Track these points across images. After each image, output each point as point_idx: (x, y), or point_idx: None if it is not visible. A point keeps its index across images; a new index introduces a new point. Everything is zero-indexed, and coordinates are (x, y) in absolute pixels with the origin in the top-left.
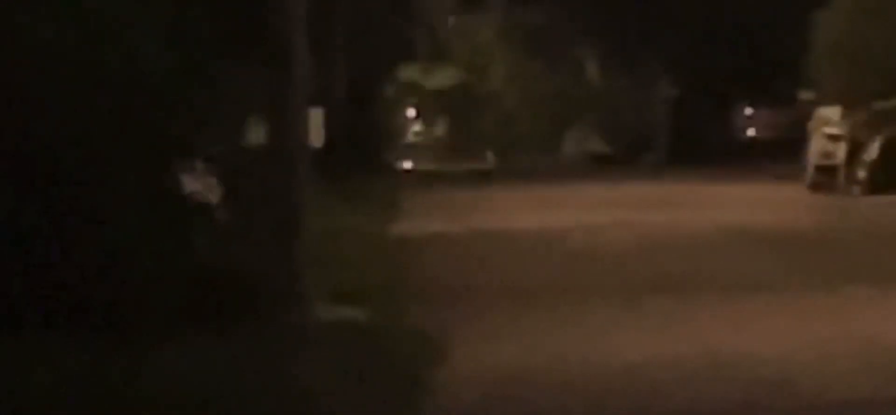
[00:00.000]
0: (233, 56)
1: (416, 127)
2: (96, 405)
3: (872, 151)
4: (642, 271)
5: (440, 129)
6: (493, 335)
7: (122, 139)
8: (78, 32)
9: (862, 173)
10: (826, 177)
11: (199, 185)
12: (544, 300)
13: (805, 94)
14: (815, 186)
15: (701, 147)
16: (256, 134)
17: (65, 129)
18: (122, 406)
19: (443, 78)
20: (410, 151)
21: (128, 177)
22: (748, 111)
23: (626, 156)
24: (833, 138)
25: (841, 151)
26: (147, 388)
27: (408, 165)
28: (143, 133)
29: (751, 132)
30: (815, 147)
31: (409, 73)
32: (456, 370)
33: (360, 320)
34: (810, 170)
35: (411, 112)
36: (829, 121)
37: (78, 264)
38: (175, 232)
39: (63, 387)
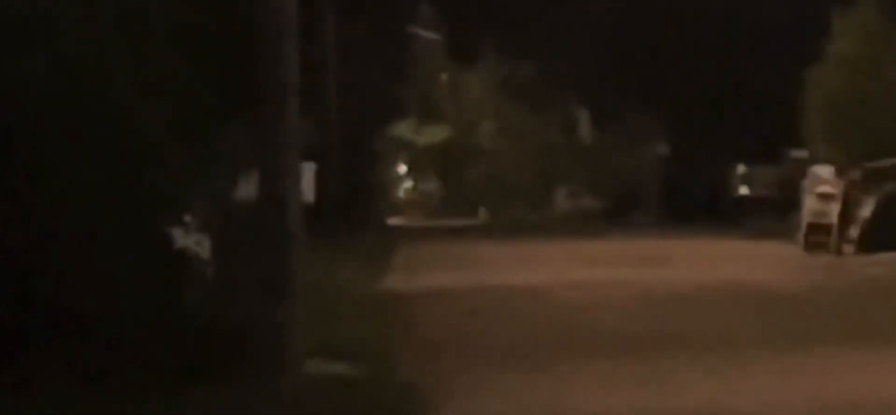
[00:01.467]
0: (224, 110)
1: (408, 183)
2: None
3: (866, 209)
4: (628, 328)
5: (431, 185)
6: (482, 390)
7: (113, 193)
8: (70, 85)
9: (855, 232)
10: (819, 235)
11: (190, 240)
12: (532, 356)
13: (797, 153)
14: (809, 245)
15: (693, 204)
16: (247, 189)
17: (53, 182)
18: None
19: (434, 134)
20: (402, 206)
21: (117, 231)
22: (741, 169)
23: (617, 212)
24: (826, 197)
25: (834, 209)
26: None
27: (399, 220)
28: (133, 187)
29: (743, 190)
30: (808, 206)
31: (400, 129)
32: None
33: (350, 375)
34: (803, 228)
35: (402, 168)
36: (822, 179)
37: (66, 318)
38: (165, 287)
39: None
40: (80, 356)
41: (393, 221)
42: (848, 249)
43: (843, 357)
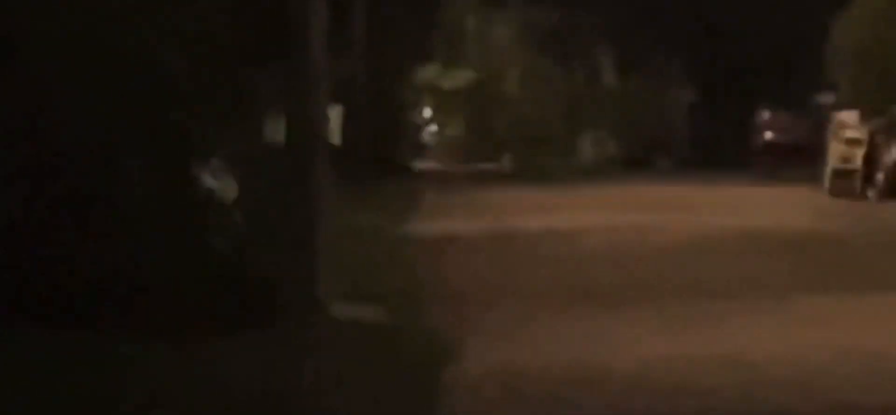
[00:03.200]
0: (251, 54)
1: (433, 127)
2: (115, 403)
3: (891, 155)
4: (649, 274)
5: (457, 129)
6: (508, 336)
7: (141, 137)
8: (98, 32)
9: (880, 178)
10: (844, 181)
11: (218, 183)
12: (556, 303)
13: (823, 98)
14: (834, 191)
15: (718, 150)
16: (275, 131)
17: (83, 126)
18: (141, 405)
19: (459, 79)
20: (427, 151)
21: (146, 174)
22: (766, 115)
23: (643, 159)
24: (851, 142)
25: (859, 155)
26: (165, 387)
27: (425, 165)
28: (161, 131)
29: (769, 136)
30: (834, 151)
31: (426, 73)
32: (469, 369)
33: (376, 319)
34: (828, 174)
35: (428, 112)
36: (847, 125)
37: (96, 261)
38: (193, 231)
39: (84, 383)
40: (107, 297)
41: (419, 165)
42: (873, 194)
43: (864, 302)
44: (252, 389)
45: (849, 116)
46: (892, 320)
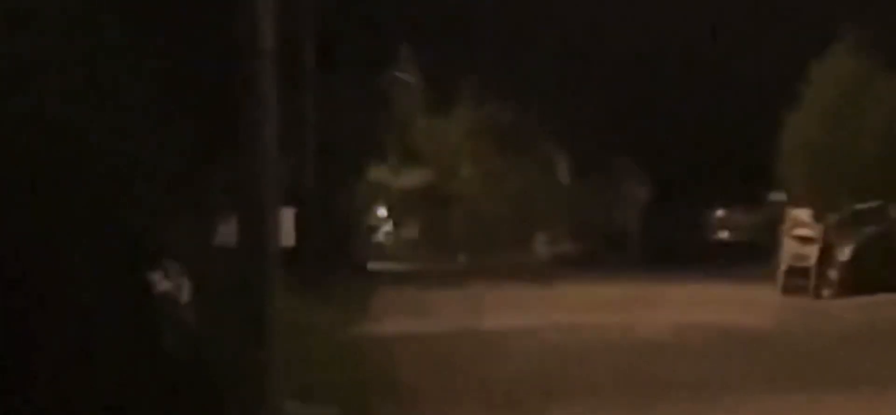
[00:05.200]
0: (203, 155)
1: (387, 227)
2: None
3: (844, 253)
4: (605, 373)
5: (411, 229)
6: None
7: (92, 238)
8: (43, 128)
9: (834, 275)
10: (798, 279)
11: (169, 284)
12: (510, 402)
13: (776, 196)
14: (787, 289)
15: (673, 248)
16: (227, 234)
17: (31, 228)
18: None
19: (413, 178)
20: (382, 250)
21: (96, 276)
22: (720, 213)
23: (597, 256)
24: (805, 240)
25: (813, 253)
26: None
27: (379, 265)
28: (112, 232)
29: (723, 234)
30: (787, 249)
31: (379, 172)
32: None
33: None
34: (782, 272)
35: (382, 212)
36: (801, 223)
37: (45, 363)
38: (144, 332)
39: None
40: (57, 402)
41: (373, 265)
42: (827, 292)
43: (816, 403)
44: None
45: (802, 214)
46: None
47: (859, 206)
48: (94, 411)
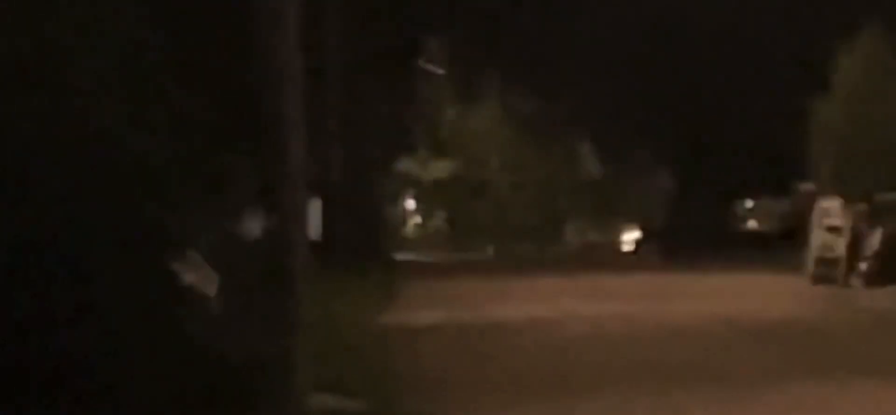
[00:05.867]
0: (229, 146)
1: (416, 218)
2: None
3: (874, 242)
4: (634, 361)
5: (439, 220)
6: None
7: (118, 231)
8: (71, 122)
9: (863, 265)
10: (827, 269)
11: (196, 276)
12: (538, 390)
13: (805, 186)
14: (817, 279)
15: (701, 238)
16: (253, 225)
17: (59, 221)
18: None
19: (440, 169)
20: (410, 242)
21: (123, 268)
22: (748, 203)
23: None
24: (834, 230)
25: (841, 243)
26: None
27: (407, 256)
28: (139, 224)
29: (751, 224)
30: (816, 239)
31: (407, 164)
32: None
33: (354, 409)
34: (811, 262)
35: (410, 203)
36: (829, 212)
37: (72, 355)
38: (171, 324)
39: None
40: (83, 391)
41: (401, 256)
42: (856, 282)
43: (847, 390)
44: None
45: (831, 204)
46: (872, 406)
47: (888, 195)
48: (119, 404)
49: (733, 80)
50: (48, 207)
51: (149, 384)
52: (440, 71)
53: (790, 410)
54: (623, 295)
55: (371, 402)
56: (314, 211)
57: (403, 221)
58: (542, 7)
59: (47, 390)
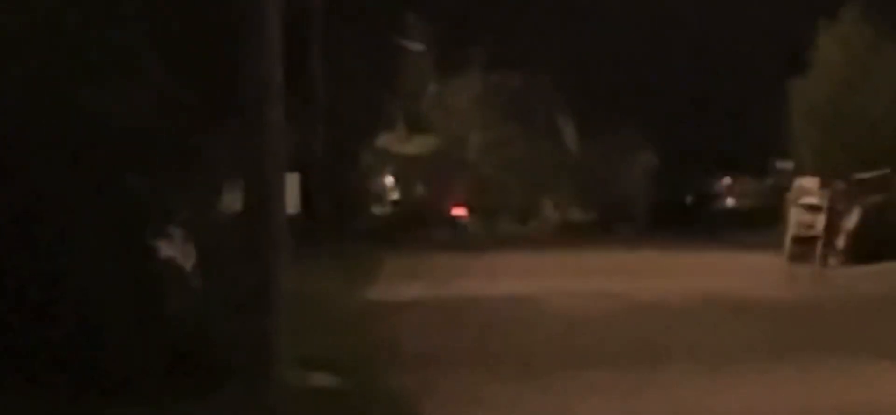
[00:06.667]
0: (208, 121)
1: (395, 194)
2: None
3: (851, 221)
4: (613, 338)
5: (419, 195)
6: (465, 399)
7: (97, 205)
8: (51, 97)
9: (840, 243)
10: (805, 247)
11: (175, 251)
12: (518, 366)
13: (783, 164)
14: (794, 257)
15: (680, 216)
16: (233, 199)
17: (38, 193)
18: None
19: (421, 145)
20: (388, 218)
21: (102, 242)
22: (727, 180)
23: (603, 224)
24: (812, 208)
25: (819, 221)
26: None
27: (385, 232)
28: (117, 199)
29: (730, 202)
30: (794, 217)
31: (387, 139)
32: None
33: (333, 386)
34: (789, 240)
35: (389, 179)
36: (807, 191)
37: (51, 328)
38: (149, 298)
39: None
40: (63, 369)
41: (379, 231)
42: (833, 260)
43: (824, 367)
44: None
45: (809, 182)
46: (847, 382)
47: (866, 174)
48: (98, 376)
49: (715, 58)
50: (30, 178)
51: (126, 357)
52: (420, 47)
53: (768, 385)
54: (602, 272)
55: (351, 377)
56: (293, 185)
57: (383, 197)
58: None
59: (26, 361)
